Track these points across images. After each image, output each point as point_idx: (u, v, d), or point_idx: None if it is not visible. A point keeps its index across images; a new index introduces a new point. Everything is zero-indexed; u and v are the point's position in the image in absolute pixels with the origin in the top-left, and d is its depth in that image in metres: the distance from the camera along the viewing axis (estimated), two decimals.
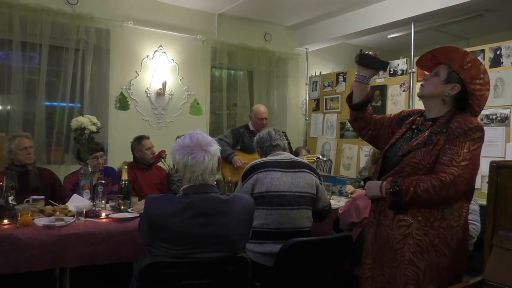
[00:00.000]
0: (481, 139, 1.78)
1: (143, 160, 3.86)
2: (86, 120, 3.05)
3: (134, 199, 2.99)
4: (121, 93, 4.71)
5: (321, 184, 2.69)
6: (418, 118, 1.97)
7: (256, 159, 2.78)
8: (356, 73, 2.03)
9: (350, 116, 2.14)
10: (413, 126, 1.96)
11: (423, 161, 1.78)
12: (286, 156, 2.67)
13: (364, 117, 2.08)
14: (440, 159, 1.75)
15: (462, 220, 1.79)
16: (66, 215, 2.58)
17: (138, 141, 3.88)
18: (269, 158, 2.65)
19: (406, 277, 1.78)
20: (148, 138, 3.93)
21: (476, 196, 3.02)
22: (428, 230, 1.76)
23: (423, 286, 1.76)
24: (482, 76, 1.82)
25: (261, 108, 4.37)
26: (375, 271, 1.90)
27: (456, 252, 1.79)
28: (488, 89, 1.85)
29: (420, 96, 1.95)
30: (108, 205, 2.91)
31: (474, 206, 2.87)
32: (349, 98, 2.11)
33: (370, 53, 1.98)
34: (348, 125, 5.19)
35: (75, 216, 2.55)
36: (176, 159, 1.82)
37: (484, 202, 2.60)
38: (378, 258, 1.89)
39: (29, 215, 2.41)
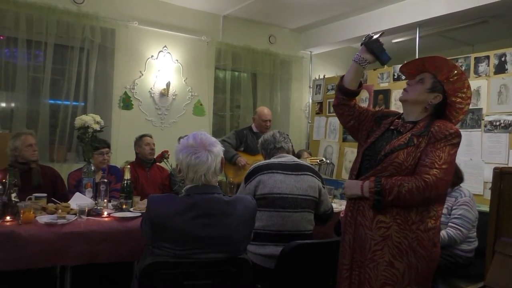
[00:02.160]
0: (458, 144, 1.83)
1: (143, 156, 3.90)
2: (90, 119, 3.05)
3: (136, 199, 2.99)
4: (125, 93, 4.72)
5: (323, 187, 2.69)
6: (396, 120, 2.00)
7: (259, 160, 2.78)
8: (357, 53, 2.02)
9: (336, 99, 2.12)
10: (392, 127, 1.98)
11: (406, 162, 1.81)
12: (289, 158, 2.68)
13: (349, 104, 2.09)
14: (422, 161, 1.79)
15: (438, 222, 1.84)
16: (68, 213, 2.59)
17: (140, 138, 3.95)
18: (273, 160, 2.66)
19: (384, 278, 1.80)
20: (149, 136, 3.97)
21: (476, 203, 3.04)
22: (407, 233, 1.79)
23: (401, 287, 1.79)
24: (465, 90, 1.89)
25: (265, 110, 4.39)
26: (352, 271, 1.91)
27: (433, 254, 1.82)
28: (469, 104, 1.91)
29: (403, 101, 1.98)
30: (110, 204, 2.92)
31: (467, 212, 2.88)
32: (342, 79, 2.10)
33: (381, 42, 1.97)
34: None
35: (77, 214, 2.55)
36: (180, 159, 1.83)
37: (486, 208, 2.59)
38: (355, 258, 1.90)
39: (31, 213, 2.42)
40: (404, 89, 1.97)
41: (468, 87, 1.89)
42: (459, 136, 1.82)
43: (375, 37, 1.97)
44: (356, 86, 2.06)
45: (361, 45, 2.01)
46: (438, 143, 1.79)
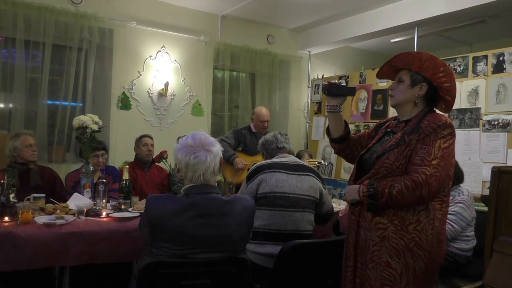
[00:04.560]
0: (451, 135, 1.80)
1: (140, 156, 3.92)
2: (88, 119, 3.05)
3: (135, 199, 2.99)
4: (123, 93, 4.71)
5: (324, 188, 2.70)
6: (392, 122, 2.02)
7: (257, 161, 2.78)
8: (326, 104, 2.09)
9: (334, 148, 2.20)
10: (388, 129, 2.01)
11: (397, 161, 1.81)
12: (291, 158, 2.69)
13: (348, 146, 2.15)
14: (412, 159, 1.78)
15: (437, 223, 1.80)
16: (66, 213, 2.58)
17: (139, 138, 3.95)
18: (275, 160, 2.67)
19: (382, 278, 1.81)
20: (149, 137, 3.96)
21: (474, 202, 3.04)
22: (404, 233, 1.78)
23: None
24: (442, 68, 1.86)
25: (262, 110, 4.39)
26: (356, 272, 1.91)
27: (432, 255, 1.80)
28: (453, 79, 1.89)
29: (394, 106, 1.99)
30: (108, 204, 2.92)
31: (462, 210, 2.89)
32: (329, 131, 2.17)
33: (336, 82, 2.05)
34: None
35: (76, 214, 2.55)
36: (178, 158, 1.83)
37: (485, 207, 2.60)
38: (358, 259, 1.91)
39: (29, 213, 2.41)
40: (390, 95, 1.99)
41: (443, 64, 1.87)
42: (449, 126, 1.80)
43: (328, 83, 2.04)
44: (343, 130, 2.12)
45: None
46: (428, 138, 1.78)
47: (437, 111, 1.94)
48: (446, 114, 2.01)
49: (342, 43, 5.75)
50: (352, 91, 2.08)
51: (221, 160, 1.88)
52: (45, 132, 4.33)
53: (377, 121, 2.24)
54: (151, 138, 3.97)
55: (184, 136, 1.93)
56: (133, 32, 4.72)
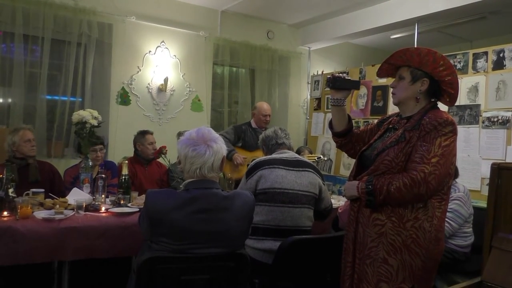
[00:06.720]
0: (452, 133, 1.79)
1: (144, 155, 3.88)
2: (87, 114, 3.05)
3: (134, 194, 2.99)
4: (123, 88, 4.70)
5: (324, 184, 2.70)
6: (394, 118, 2.02)
7: (257, 156, 2.78)
8: (330, 97, 2.07)
9: (336, 142, 2.19)
10: (390, 126, 2.00)
11: (396, 158, 1.80)
12: (291, 154, 2.69)
13: (350, 140, 2.14)
14: (412, 157, 1.78)
15: (435, 220, 1.80)
16: (65, 208, 2.58)
17: (142, 135, 3.92)
18: (274, 155, 2.67)
19: (379, 274, 1.81)
20: (151, 133, 3.95)
21: (473, 199, 3.04)
22: (401, 230, 1.78)
23: (395, 284, 1.79)
24: (442, 62, 1.84)
25: (264, 105, 4.40)
26: (355, 268, 1.92)
27: (430, 252, 1.80)
28: (455, 71, 1.88)
29: (397, 104, 1.98)
30: (108, 200, 2.92)
31: (458, 207, 2.89)
32: (331, 125, 2.15)
33: (341, 75, 2.03)
34: None
35: (75, 209, 2.55)
36: (179, 150, 1.85)
37: (484, 204, 2.60)
38: (356, 255, 1.92)
39: (28, 208, 2.41)
40: (392, 93, 1.98)
41: (442, 57, 1.85)
42: (451, 123, 1.78)
43: (332, 76, 2.03)
44: (346, 124, 2.10)
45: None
46: (428, 136, 1.77)
47: (441, 108, 1.93)
48: (447, 109, 2.00)
49: (342, 39, 5.73)
50: (356, 85, 2.05)
51: (223, 158, 1.88)
52: (44, 127, 4.32)
53: (377, 117, 2.24)
54: (152, 134, 3.96)
55: (184, 131, 1.93)
56: (132, 27, 4.70)
